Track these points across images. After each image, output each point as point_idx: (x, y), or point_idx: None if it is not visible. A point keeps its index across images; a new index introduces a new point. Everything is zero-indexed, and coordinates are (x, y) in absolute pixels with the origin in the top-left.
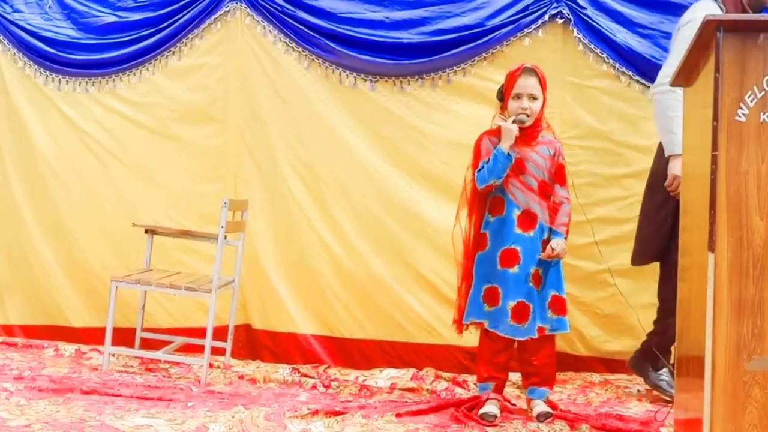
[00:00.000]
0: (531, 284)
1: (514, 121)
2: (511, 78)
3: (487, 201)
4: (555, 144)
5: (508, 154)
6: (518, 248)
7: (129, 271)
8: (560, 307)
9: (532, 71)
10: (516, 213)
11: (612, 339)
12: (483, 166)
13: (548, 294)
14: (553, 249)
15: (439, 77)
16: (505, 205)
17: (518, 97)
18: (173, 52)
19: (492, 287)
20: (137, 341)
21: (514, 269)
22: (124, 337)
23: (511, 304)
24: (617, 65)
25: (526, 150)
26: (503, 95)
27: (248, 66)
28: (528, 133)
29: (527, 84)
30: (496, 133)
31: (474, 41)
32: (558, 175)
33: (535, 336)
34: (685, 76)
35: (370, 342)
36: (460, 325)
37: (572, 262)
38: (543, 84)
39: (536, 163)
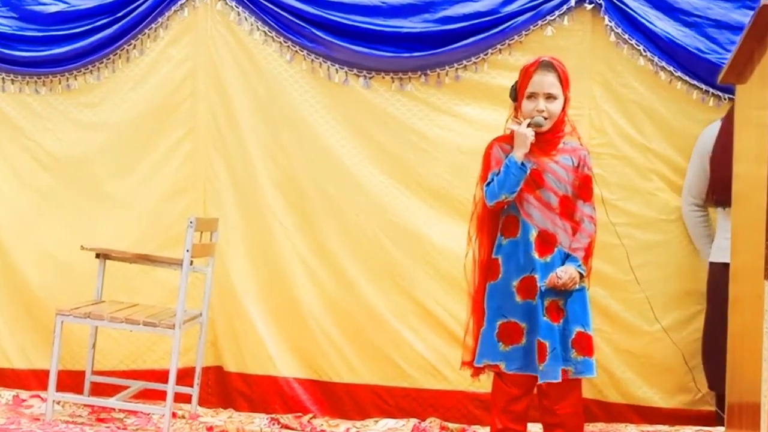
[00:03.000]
0: (547, 318)
1: (529, 125)
2: (526, 74)
3: (499, 220)
4: (580, 152)
5: (522, 164)
6: (536, 276)
7: (77, 303)
8: (586, 347)
9: (550, 66)
10: (533, 234)
11: (650, 384)
12: (493, 179)
13: (572, 330)
14: (558, 278)
15: (446, 73)
16: (519, 225)
17: (533, 96)
18: (134, 45)
19: (509, 322)
20: (87, 386)
21: (535, 300)
22: (71, 381)
23: (536, 340)
24: (656, 59)
25: (545, 160)
26: (517, 94)
27: (220, 59)
28: (547, 140)
29: (544, 81)
30: (509, 140)
31: (487, 31)
32: (582, 188)
33: (558, 380)
34: (737, 72)
35: (364, 387)
36: (473, 368)
37: (601, 292)
38: (564, 81)
39: (557, 174)
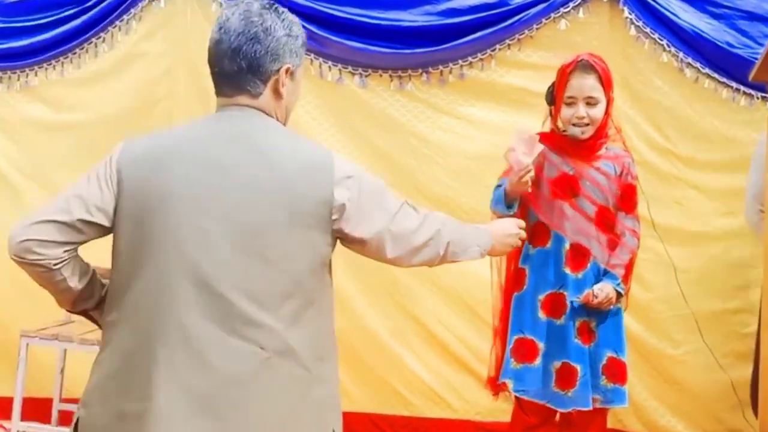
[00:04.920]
0: (578, 340)
1: (565, 135)
2: (562, 76)
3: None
4: (623, 159)
5: (509, 206)
6: (566, 293)
7: (44, 324)
8: (618, 374)
9: (590, 67)
10: (565, 247)
11: (673, 412)
12: (496, 188)
13: (603, 355)
14: (595, 296)
15: (449, 71)
16: (550, 234)
17: (572, 101)
18: (103, 38)
19: (524, 338)
20: (55, 415)
21: (561, 320)
22: (37, 409)
23: (557, 364)
24: (681, 54)
25: (584, 166)
26: (553, 97)
27: (200, 55)
28: (588, 146)
29: (584, 85)
30: (548, 140)
31: (494, 25)
32: (625, 199)
33: (588, 407)
34: None
35: (361, 416)
36: (494, 385)
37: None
38: (606, 82)
39: (596, 182)
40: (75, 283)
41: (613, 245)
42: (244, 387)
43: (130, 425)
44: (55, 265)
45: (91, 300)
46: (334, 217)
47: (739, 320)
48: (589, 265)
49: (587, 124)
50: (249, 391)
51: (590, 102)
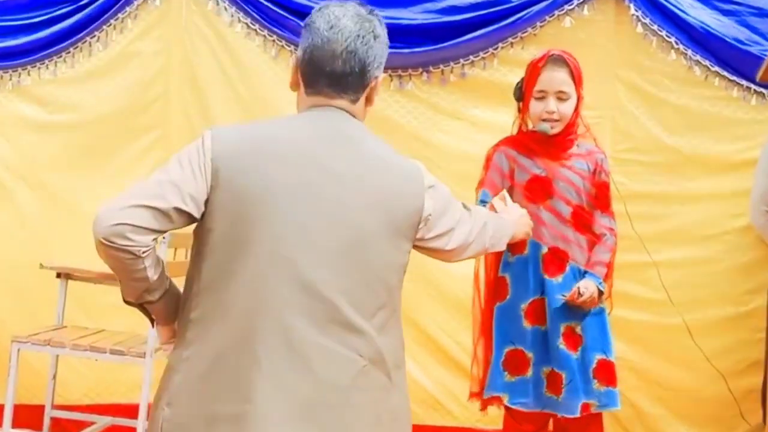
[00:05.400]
0: (563, 346)
1: (534, 131)
2: (533, 70)
3: None
4: (596, 155)
5: None
6: (546, 299)
7: (36, 329)
8: (609, 376)
9: (562, 61)
10: (542, 252)
11: (681, 419)
12: (481, 205)
13: (592, 358)
14: (580, 294)
15: (451, 70)
16: (527, 241)
17: (542, 96)
18: (97, 37)
19: (516, 350)
20: (46, 422)
21: (545, 326)
22: (29, 416)
23: (546, 370)
24: (689, 52)
25: (555, 166)
26: (522, 93)
27: (196, 55)
28: (557, 143)
29: (554, 78)
30: (514, 143)
31: (497, 22)
32: (600, 197)
33: (577, 414)
34: None
35: None
36: (481, 399)
37: (625, 315)
38: (577, 77)
39: (570, 182)
40: (152, 273)
41: (591, 245)
42: (342, 394)
43: (224, 427)
44: (143, 252)
45: (156, 292)
46: (420, 226)
47: (754, 325)
48: (568, 268)
49: (557, 120)
50: (346, 399)
51: (561, 97)
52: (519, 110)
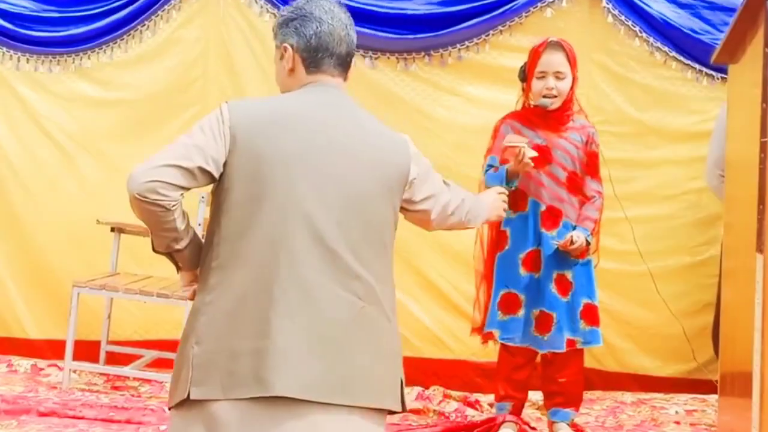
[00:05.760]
0: (555, 291)
1: (535, 106)
2: (535, 54)
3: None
4: (588, 129)
5: (509, 182)
6: (542, 249)
7: (93, 275)
8: (593, 317)
9: (559, 46)
10: (541, 209)
11: (646, 353)
12: (488, 168)
13: (579, 301)
14: (573, 241)
15: (449, 54)
16: (528, 199)
17: (542, 75)
18: (147, 26)
19: (510, 293)
20: (102, 355)
21: (538, 274)
22: (87, 350)
23: (535, 312)
24: (651, 39)
25: (554, 137)
26: (526, 74)
27: (231, 41)
28: (556, 117)
29: (552, 60)
30: (519, 117)
31: (488, 12)
32: (590, 165)
33: (563, 350)
34: (730, 52)
35: None
36: (482, 333)
37: (602, 264)
38: (572, 60)
39: (566, 151)
40: (180, 224)
41: (581, 205)
42: (344, 329)
43: (246, 360)
44: (172, 206)
45: (183, 241)
46: (407, 188)
47: (707, 272)
48: (561, 223)
49: (555, 96)
50: (347, 334)
51: (559, 76)
52: (522, 89)
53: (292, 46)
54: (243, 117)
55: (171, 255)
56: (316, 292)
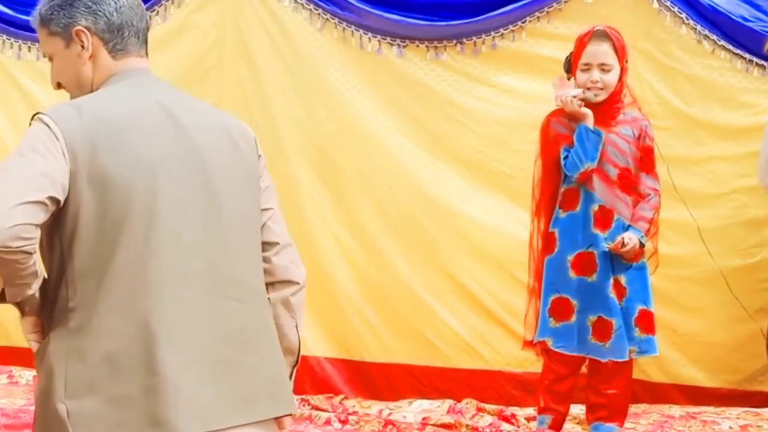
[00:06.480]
0: (612, 296)
1: (582, 100)
2: (580, 44)
3: (558, 194)
4: (640, 122)
5: (595, 128)
6: (595, 252)
7: None
8: (648, 325)
9: (605, 35)
10: (593, 208)
11: (693, 362)
12: (568, 153)
13: (634, 308)
14: (624, 244)
15: (482, 42)
16: (580, 198)
17: (587, 68)
18: (157, 11)
19: (561, 298)
20: None
21: (592, 277)
22: None
23: (592, 318)
24: (699, 27)
25: (604, 131)
26: (571, 65)
27: (248, 28)
28: (605, 111)
29: (598, 51)
30: (563, 113)
31: None
32: (644, 160)
33: (625, 359)
34: None
35: (397, 367)
36: (532, 346)
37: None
38: (620, 50)
39: (617, 146)
40: (38, 267)
41: (636, 204)
42: (233, 344)
43: (137, 404)
44: (34, 249)
45: (36, 283)
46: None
47: (760, 276)
48: (614, 223)
49: (601, 89)
50: (239, 348)
51: (604, 68)
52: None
53: (88, 29)
54: (77, 130)
55: (18, 303)
56: (198, 311)
